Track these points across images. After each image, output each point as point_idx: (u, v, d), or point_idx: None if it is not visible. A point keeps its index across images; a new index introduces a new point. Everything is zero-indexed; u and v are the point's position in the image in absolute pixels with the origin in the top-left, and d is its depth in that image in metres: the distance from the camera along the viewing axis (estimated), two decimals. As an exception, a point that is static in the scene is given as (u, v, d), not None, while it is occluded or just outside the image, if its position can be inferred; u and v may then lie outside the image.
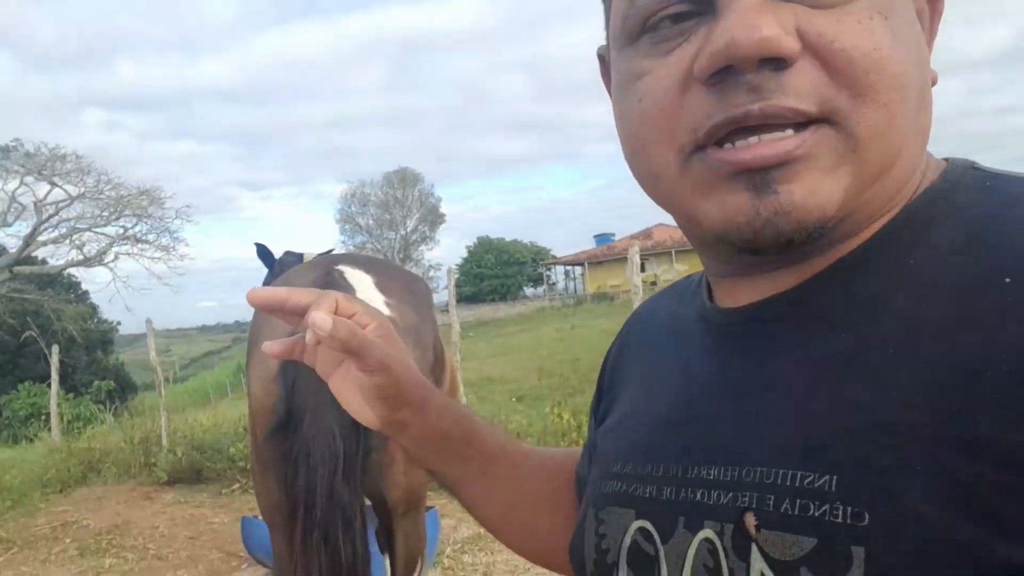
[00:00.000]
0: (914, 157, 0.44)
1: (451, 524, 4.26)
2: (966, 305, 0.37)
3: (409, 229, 46.71)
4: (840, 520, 0.36)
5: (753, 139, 0.40)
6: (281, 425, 1.89)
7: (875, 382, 0.38)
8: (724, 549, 0.41)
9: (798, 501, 0.38)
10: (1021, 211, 0.40)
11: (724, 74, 0.40)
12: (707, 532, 0.43)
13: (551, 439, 5.26)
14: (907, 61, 0.41)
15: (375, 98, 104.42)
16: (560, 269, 50.59)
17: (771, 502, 0.39)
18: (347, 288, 2.10)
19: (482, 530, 4.12)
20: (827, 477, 0.38)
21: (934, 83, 0.45)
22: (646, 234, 45.07)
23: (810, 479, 0.38)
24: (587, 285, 44.72)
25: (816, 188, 0.40)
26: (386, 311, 2.12)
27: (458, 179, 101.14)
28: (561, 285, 50.32)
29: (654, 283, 37.79)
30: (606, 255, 44.68)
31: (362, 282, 2.16)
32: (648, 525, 0.47)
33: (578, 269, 48.74)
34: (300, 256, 3.26)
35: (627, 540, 0.49)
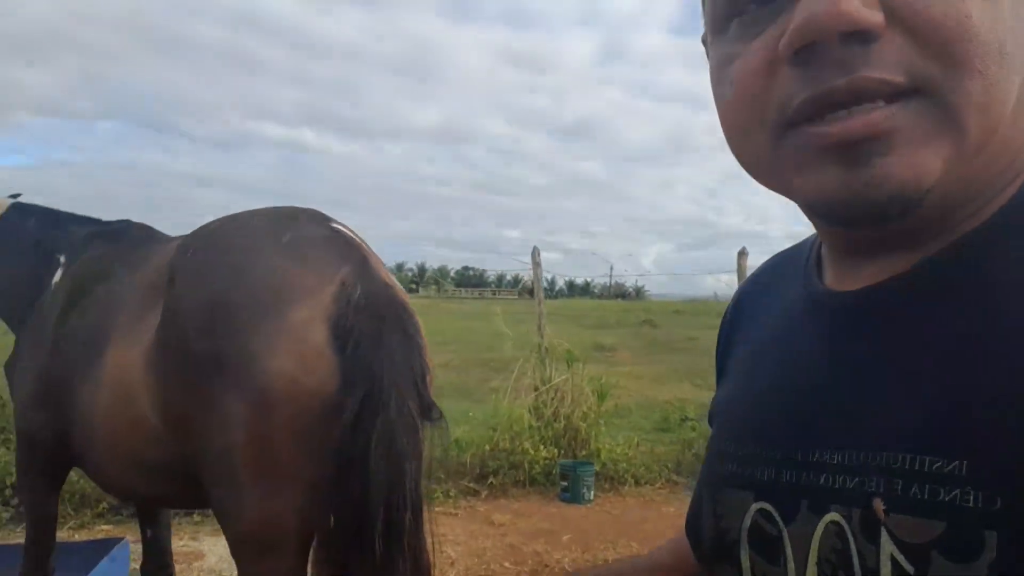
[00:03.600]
0: None
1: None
2: None
3: None
4: (971, 504, 0.36)
5: (843, 112, 0.40)
6: (334, 409, 1.52)
7: (1001, 364, 0.38)
8: (852, 533, 0.41)
9: (927, 486, 0.38)
10: None
11: (809, 52, 0.40)
12: (833, 516, 0.43)
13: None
14: (1005, 27, 0.39)
15: None
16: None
17: (899, 487, 0.39)
18: (368, 254, 1.78)
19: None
20: (956, 462, 0.37)
21: None
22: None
23: (939, 464, 0.38)
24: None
25: (910, 160, 0.39)
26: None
27: None
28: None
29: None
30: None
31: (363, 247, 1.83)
32: (769, 507, 0.48)
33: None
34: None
35: (747, 521, 0.49)
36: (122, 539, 3.05)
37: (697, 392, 8.71)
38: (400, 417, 1.50)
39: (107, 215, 2.63)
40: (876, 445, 0.41)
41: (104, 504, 4.37)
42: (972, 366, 0.39)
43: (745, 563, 0.49)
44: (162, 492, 1.96)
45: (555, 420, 5.06)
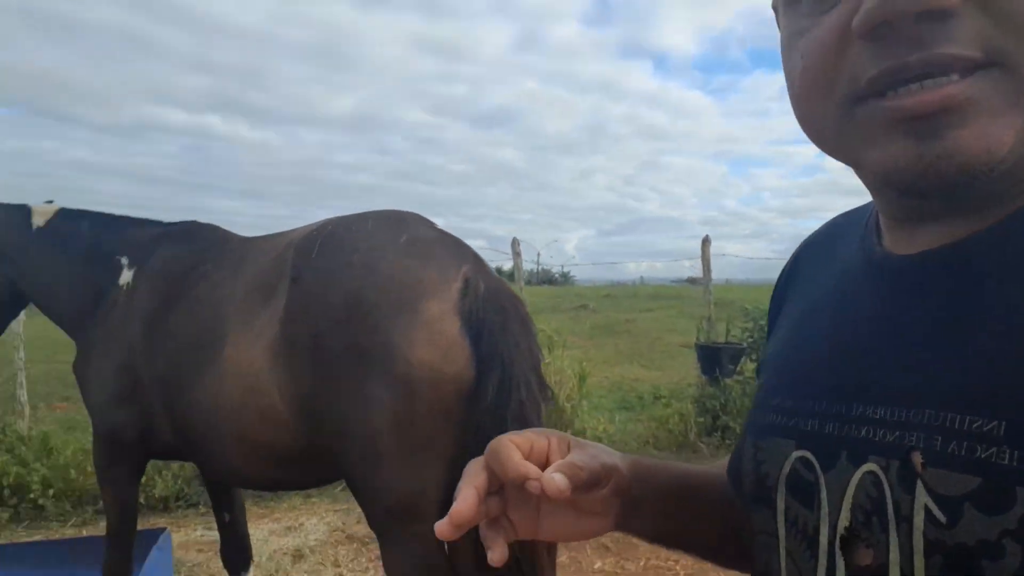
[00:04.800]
0: None
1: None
2: None
3: None
4: (1007, 462, 0.38)
5: (915, 86, 0.41)
6: (470, 392, 1.72)
7: None
8: (889, 483, 0.43)
9: (965, 443, 0.40)
10: None
11: (883, 29, 0.41)
12: (871, 466, 0.45)
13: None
14: None
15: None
16: None
17: (938, 443, 0.41)
18: (475, 253, 1.96)
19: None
20: (995, 422, 0.39)
21: None
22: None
23: (979, 423, 0.40)
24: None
25: (984, 132, 0.40)
26: None
27: None
28: None
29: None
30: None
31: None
32: (809, 455, 0.50)
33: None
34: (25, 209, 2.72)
35: (787, 467, 0.52)
36: (164, 529, 3.12)
37: (648, 372, 9.16)
38: (529, 397, 1.72)
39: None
40: (919, 403, 0.43)
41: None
42: (1016, 336, 0.40)
43: (780, 506, 0.52)
44: (282, 476, 2.09)
45: (542, 402, 5.33)
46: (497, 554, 0.55)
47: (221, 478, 2.49)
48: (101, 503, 4.32)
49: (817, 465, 0.49)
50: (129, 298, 2.34)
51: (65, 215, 2.68)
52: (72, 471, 4.34)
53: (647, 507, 0.63)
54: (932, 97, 0.40)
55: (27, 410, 5.02)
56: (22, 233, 2.63)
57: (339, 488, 4.50)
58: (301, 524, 4.08)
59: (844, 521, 0.46)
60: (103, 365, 2.31)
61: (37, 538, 3.89)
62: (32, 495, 4.21)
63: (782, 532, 0.52)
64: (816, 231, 0.67)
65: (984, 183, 0.42)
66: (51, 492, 4.25)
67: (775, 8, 0.53)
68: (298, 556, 3.68)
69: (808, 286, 0.61)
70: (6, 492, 4.25)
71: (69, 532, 4.03)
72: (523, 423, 1.69)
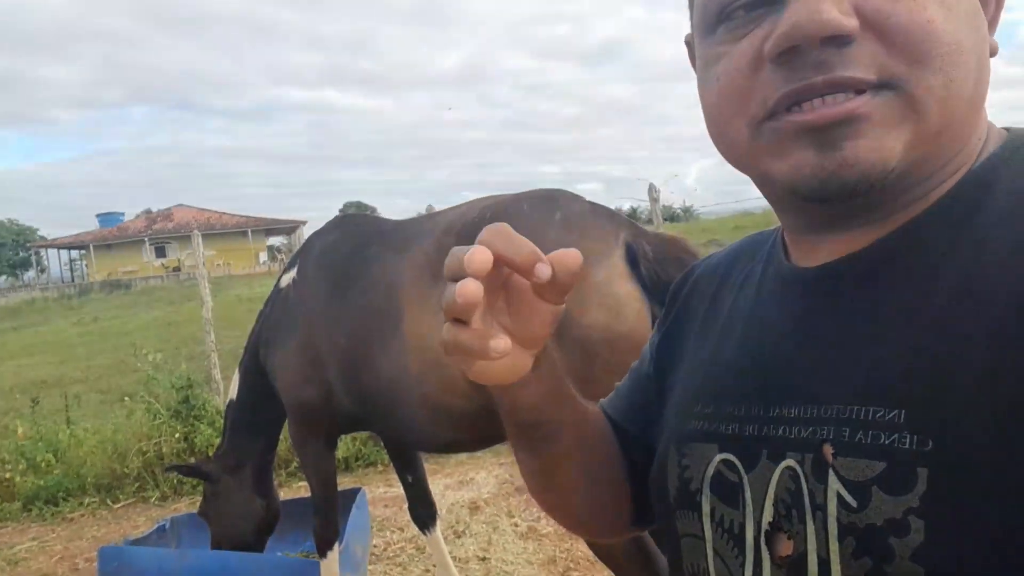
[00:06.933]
0: (970, 121, 0.49)
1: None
2: (1016, 263, 0.42)
3: None
4: (907, 447, 0.42)
5: (818, 101, 0.45)
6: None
7: (937, 330, 0.44)
8: (804, 475, 0.47)
9: (871, 432, 0.44)
10: None
11: (790, 54, 0.46)
12: (789, 462, 0.49)
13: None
14: (961, 31, 0.46)
15: None
16: (54, 253, 44.73)
17: (847, 434, 0.45)
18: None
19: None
20: (896, 411, 0.43)
21: (993, 54, 0.50)
22: (165, 215, 41.94)
23: (881, 413, 0.44)
24: (93, 271, 39.53)
25: (877, 144, 0.45)
26: None
27: None
28: (56, 272, 44.58)
29: (177, 268, 34.76)
30: (117, 237, 40.38)
31: None
32: (731, 457, 0.54)
33: (75, 253, 44.05)
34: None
35: (710, 470, 0.55)
36: (360, 489, 3.37)
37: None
38: None
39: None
40: (829, 400, 0.47)
41: (295, 463, 4.76)
42: (913, 331, 0.45)
43: (705, 507, 0.55)
44: (460, 437, 2.25)
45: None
46: (503, 343, 0.49)
47: (402, 443, 2.67)
48: (293, 464, 4.79)
49: (740, 466, 0.53)
50: (300, 286, 2.54)
51: None
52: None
53: (550, 365, 0.61)
54: (832, 110, 0.45)
55: (222, 387, 5.53)
56: None
57: (503, 443, 4.69)
58: (472, 479, 4.34)
59: (768, 516, 0.50)
60: (285, 348, 2.51)
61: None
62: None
63: (709, 533, 0.55)
64: (718, 255, 0.71)
65: (879, 191, 0.46)
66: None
67: (688, 44, 0.59)
68: (474, 508, 3.93)
69: (720, 306, 0.64)
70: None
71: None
72: None
